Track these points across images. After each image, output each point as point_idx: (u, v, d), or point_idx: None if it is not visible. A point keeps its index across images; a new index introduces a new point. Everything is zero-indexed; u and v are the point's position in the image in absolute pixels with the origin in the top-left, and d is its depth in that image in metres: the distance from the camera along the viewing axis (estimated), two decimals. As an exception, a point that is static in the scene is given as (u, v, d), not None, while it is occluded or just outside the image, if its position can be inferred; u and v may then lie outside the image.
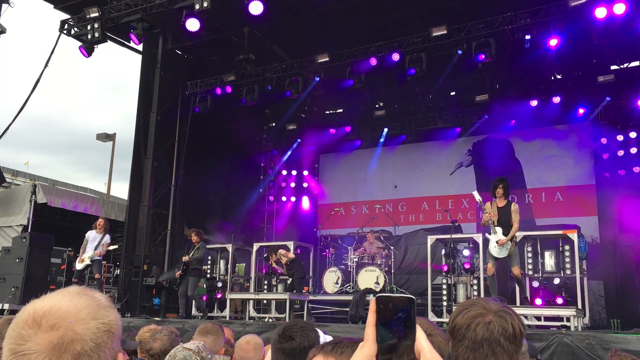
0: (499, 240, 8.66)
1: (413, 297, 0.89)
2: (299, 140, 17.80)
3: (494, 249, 8.74)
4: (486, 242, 9.95)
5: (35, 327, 1.05)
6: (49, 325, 1.04)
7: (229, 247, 12.44)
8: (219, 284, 12.38)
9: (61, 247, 13.31)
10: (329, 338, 2.25)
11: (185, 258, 10.99)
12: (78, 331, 1.06)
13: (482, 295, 9.34)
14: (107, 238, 11.42)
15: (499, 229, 8.70)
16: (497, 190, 8.90)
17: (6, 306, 11.45)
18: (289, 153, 17.85)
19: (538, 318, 8.99)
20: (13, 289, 11.59)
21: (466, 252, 10.42)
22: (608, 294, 12.84)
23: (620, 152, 13.58)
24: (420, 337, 0.87)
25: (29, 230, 13.25)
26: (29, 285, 11.61)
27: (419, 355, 0.89)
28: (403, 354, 0.84)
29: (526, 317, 8.71)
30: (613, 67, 13.96)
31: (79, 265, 11.30)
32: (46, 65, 13.08)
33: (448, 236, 10.48)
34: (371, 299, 1.06)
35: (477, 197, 8.97)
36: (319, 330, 2.49)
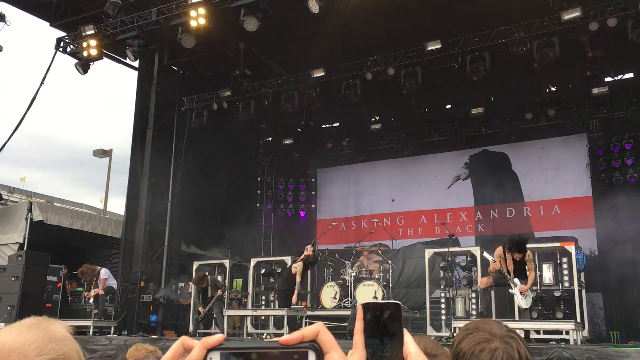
0: (520, 290, 8.54)
1: (399, 302, 0.90)
2: (295, 154, 17.81)
3: (522, 302, 8.60)
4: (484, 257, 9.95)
5: None
6: None
7: (226, 262, 12.39)
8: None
9: (58, 264, 13.23)
10: None
11: (219, 292, 11.34)
12: None
13: (479, 309, 9.29)
14: (103, 273, 11.57)
15: (517, 280, 8.56)
16: (517, 254, 8.53)
17: (1, 325, 11.35)
18: (285, 167, 17.85)
19: (537, 332, 8.94)
20: (9, 308, 11.51)
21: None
22: (607, 306, 12.81)
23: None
24: (408, 341, 0.88)
25: (25, 248, 13.19)
26: (24, 303, 11.54)
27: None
28: (392, 358, 0.86)
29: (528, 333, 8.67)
30: (607, 79, 14.04)
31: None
32: (42, 82, 13.11)
33: (446, 249, 10.48)
34: (358, 306, 1.09)
35: (490, 258, 8.79)
36: None
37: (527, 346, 1.57)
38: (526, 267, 8.64)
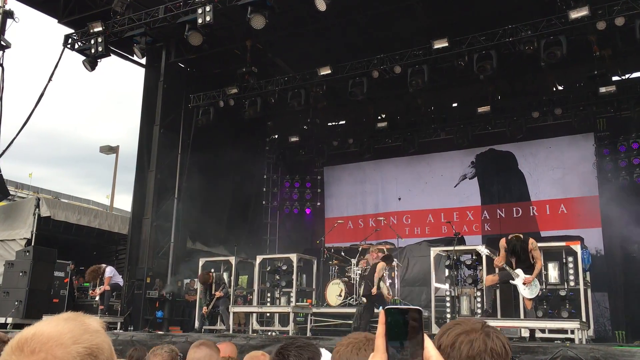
0: (524, 281, 8.44)
1: (420, 308, 0.93)
2: (301, 152, 17.84)
3: (525, 292, 8.50)
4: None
5: (18, 352, 1.08)
6: (30, 350, 1.07)
7: (232, 259, 12.44)
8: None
9: (65, 260, 13.32)
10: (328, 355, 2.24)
11: (218, 294, 11.30)
12: (58, 355, 1.08)
13: (484, 307, 9.29)
14: (108, 271, 11.59)
15: (519, 271, 8.47)
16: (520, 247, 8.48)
17: (9, 320, 11.45)
18: (291, 165, 17.88)
19: (542, 331, 8.93)
20: (16, 303, 11.60)
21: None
22: (613, 305, 12.78)
23: (623, 163, 13.56)
24: (429, 346, 0.90)
25: (33, 243, 13.28)
26: (32, 299, 11.63)
27: None
28: None
29: (533, 332, 8.66)
30: (615, 78, 13.98)
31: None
32: (50, 79, 13.17)
33: (451, 248, 10.46)
34: (380, 311, 1.12)
35: (485, 252, 8.75)
36: (322, 350, 2.46)
37: (507, 341, 1.57)
38: (531, 256, 8.56)
